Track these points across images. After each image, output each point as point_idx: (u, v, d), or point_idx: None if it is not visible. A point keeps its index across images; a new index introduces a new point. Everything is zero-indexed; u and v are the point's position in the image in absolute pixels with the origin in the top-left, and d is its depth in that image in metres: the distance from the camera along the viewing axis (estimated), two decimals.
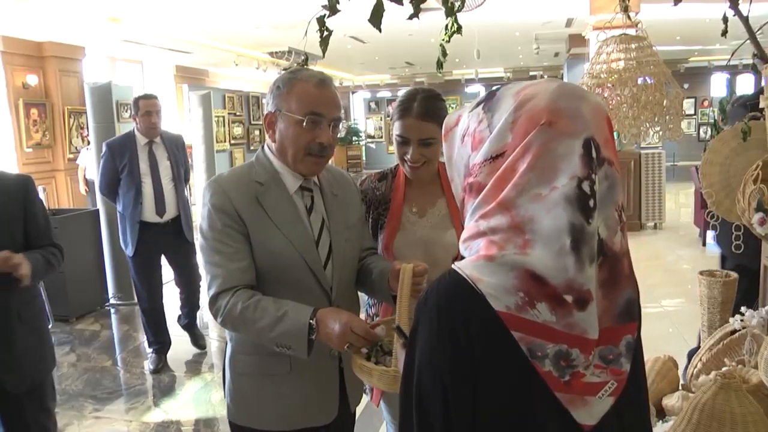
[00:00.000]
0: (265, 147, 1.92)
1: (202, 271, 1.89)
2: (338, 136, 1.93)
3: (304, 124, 1.77)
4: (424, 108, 2.10)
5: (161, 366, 4.89)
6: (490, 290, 0.94)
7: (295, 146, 1.81)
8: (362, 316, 2.46)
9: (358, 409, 2.12)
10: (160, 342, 4.97)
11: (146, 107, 4.68)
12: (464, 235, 1.03)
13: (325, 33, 1.81)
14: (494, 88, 1.08)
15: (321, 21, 1.79)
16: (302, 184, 1.89)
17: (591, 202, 0.94)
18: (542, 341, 0.94)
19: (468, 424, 0.97)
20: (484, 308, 0.94)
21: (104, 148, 4.81)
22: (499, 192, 0.97)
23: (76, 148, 11.08)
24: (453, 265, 1.01)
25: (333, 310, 1.71)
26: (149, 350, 5.05)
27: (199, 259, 2.17)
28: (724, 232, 3.26)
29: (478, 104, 1.06)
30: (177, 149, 4.99)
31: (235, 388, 1.93)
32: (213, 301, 1.76)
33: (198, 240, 1.90)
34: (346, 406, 1.97)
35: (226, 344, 2.01)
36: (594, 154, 0.95)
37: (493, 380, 0.96)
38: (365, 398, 2.32)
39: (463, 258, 1.03)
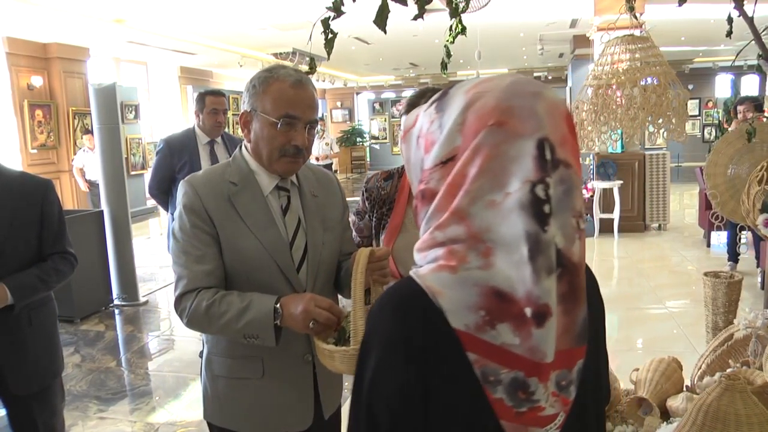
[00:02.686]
0: (243, 146, 1.89)
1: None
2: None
3: (279, 126, 1.74)
4: None
5: None
6: (450, 305, 0.88)
7: (269, 147, 1.77)
8: None
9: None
10: None
11: (213, 104, 4.36)
12: (420, 244, 0.96)
13: (330, 35, 1.81)
14: (450, 85, 1.01)
15: (326, 23, 1.80)
16: (278, 184, 1.85)
17: (546, 208, 0.87)
18: (497, 366, 0.88)
19: None
20: (441, 323, 0.88)
21: (161, 144, 4.48)
22: (451, 200, 0.90)
23: (80, 149, 11.14)
24: (411, 273, 0.94)
25: (297, 294, 1.70)
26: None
27: None
28: None
29: (432, 103, 0.98)
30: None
31: (211, 389, 1.91)
32: (177, 302, 1.75)
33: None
34: (320, 413, 1.93)
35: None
36: (549, 156, 0.88)
37: (443, 399, 0.90)
38: None
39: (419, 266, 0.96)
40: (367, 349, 0.94)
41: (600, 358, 1.07)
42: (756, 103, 6.90)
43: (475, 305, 0.87)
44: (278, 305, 1.66)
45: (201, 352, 2.06)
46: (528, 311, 0.86)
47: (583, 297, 0.93)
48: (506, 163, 0.87)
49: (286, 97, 1.74)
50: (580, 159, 0.99)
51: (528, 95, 0.90)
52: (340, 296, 2.05)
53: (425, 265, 0.93)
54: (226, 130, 4.60)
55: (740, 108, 7.00)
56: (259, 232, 1.78)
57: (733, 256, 6.85)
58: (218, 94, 4.43)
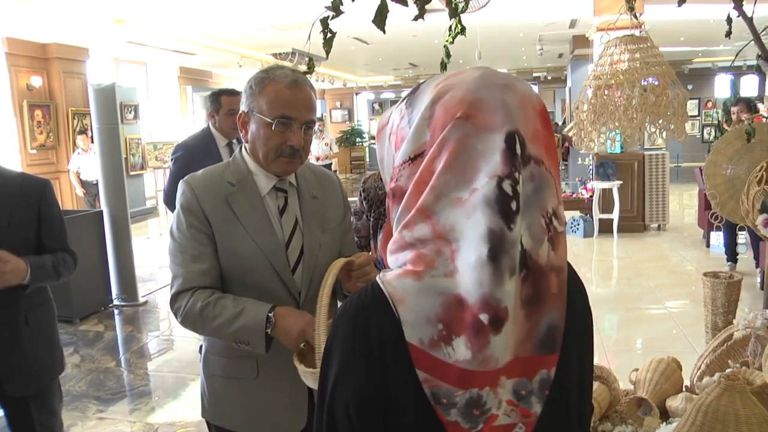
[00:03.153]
0: (243, 147, 1.91)
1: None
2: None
3: (274, 126, 1.74)
4: None
5: None
6: (408, 316, 0.83)
7: (265, 148, 1.78)
8: None
9: None
10: None
11: (230, 104, 4.06)
12: (391, 245, 0.91)
13: (329, 34, 1.81)
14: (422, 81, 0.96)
15: (324, 22, 1.79)
16: (276, 185, 1.86)
17: (513, 205, 0.82)
18: (450, 387, 0.82)
19: None
20: (396, 335, 0.84)
21: (179, 150, 4.19)
22: (418, 197, 0.86)
23: (74, 152, 11.13)
24: (377, 277, 0.90)
25: (295, 309, 1.73)
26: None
27: None
28: None
29: (403, 99, 0.95)
30: None
31: (208, 388, 1.93)
32: (173, 301, 1.77)
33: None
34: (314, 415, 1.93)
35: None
36: (519, 151, 0.83)
37: (398, 415, 0.86)
38: None
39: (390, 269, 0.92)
40: (329, 354, 0.91)
41: (584, 371, 1.00)
42: (749, 104, 6.92)
43: (435, 317, 0.82)
44: (272, 314, 1.67)
45: (201, 347, 2.06)
46: (484, 318, 0.80)
47: (551, 302, 0.87)
48: (473, 158, 0.83)
49: (282, 98, 1.74)
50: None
51: (497, 88, 0.86)
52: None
53: (394, 269, 0.89)
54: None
55: (734, 109, 7.03)
56: (255, 233, 1.79)
57: (732, 256, 6.85)
58: (234, 93, 4.16)
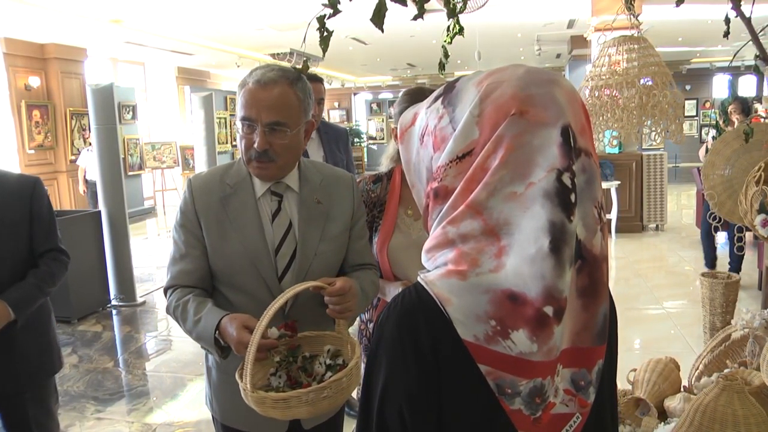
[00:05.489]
0: None
1: None
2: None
3: (241, 129, 1.73)
4: None
5: None
6: (458, 315, 0.83)
7: (242, 151, 1.77)
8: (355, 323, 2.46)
9: None
10: None
11: (318, 93, 3.60)
12: (429, 243, 0.90)
13: (325, 33, 1.80)
14: (453, 79, 0.95)
15: (321, 20, 1.78)
16: (271, 188, 1.82)
17: (572, 197, 0.83)
18: (514, 377, 0.84)
19: None
20: (449, 333, 0.84)
21: None
22: (469, 194, 0.85)
23: (77, 149, 11.12)
24: (419, 278, 0.89)
25: (231, 319, 1.62)
26: None
27: None
28: None
29: (435, 99, 0.94)
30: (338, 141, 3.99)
31: (207, 379, 1.96)
32: (164, 294, 1.84)
33: None
34: (297, 424, 1.85)
35: None
36: (572, 144, 0.85)
37: (457, 411, 0.87)
38: None
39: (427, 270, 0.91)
40: (375, 357, 0.91)
41: (614, 361, 1.03)
42: (743, 104, 6.92)
43: (485, 314, 0.83)
44: (217, 333, 1.64)
45: (202, 353, 2.07)
46: (549, 310, 0.82)
47: (605, 292, 0.90)
48: (530, 153, 0.84)
49: (247, 99, 1.71)
50: None
51: (545, 83, 0.87)
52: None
53: (434, 269, 0.89)
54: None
55: (729, 109, 7.03)
56: (244, 236, 1.77)
57: (734, 262, 6.82)
58: (316, 80, 3.67)
